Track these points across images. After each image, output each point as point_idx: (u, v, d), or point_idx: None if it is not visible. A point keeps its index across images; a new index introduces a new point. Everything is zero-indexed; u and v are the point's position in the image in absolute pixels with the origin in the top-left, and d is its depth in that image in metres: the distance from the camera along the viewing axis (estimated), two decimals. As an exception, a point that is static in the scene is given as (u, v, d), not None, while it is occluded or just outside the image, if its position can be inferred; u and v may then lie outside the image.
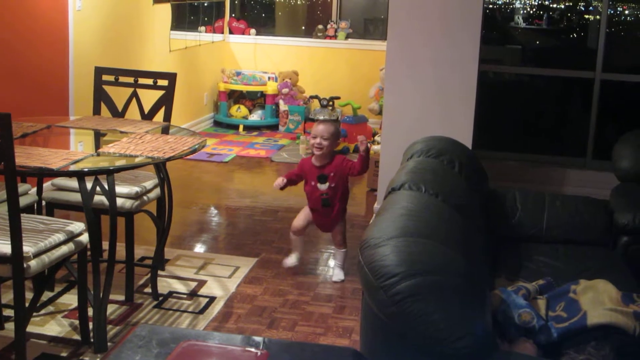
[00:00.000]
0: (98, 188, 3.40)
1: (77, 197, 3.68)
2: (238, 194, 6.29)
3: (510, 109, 6.78)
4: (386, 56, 5.20)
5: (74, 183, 3.74)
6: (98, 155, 3.45)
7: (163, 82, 4.22)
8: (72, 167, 3.20)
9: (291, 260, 4.43)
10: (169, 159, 3.41)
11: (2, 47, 4.98)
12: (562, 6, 7.61)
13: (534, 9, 7.83)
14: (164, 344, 1.90)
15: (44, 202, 3.93)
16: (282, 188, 4.35)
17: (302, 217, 4.41)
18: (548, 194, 3.92)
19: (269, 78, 8.63)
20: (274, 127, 8.59)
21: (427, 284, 1.96)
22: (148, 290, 4.06)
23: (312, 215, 4.36)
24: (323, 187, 4.26)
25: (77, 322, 3.59)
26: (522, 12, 7.89)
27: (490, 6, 7.48)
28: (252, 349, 1.87)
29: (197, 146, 3.58)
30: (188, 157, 4.28)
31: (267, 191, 6.31)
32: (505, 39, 7.47)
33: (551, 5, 7.73)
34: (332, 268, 4.47)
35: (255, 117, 8.61)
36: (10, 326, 3.57)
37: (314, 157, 4.29)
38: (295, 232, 4.41)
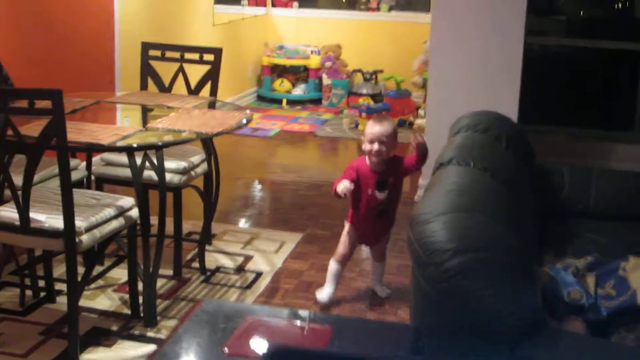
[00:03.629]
0: (147, 163, 3.43)
1: (125, 172, 3.74)
2: (282, 168, 6.31)
3: (555, 81, 6.69)
4: (431, 29, 5.16)
5: (122, 158, 3.78)
6: (147, 130, 3.49)
7: (209, 57, 4.24)
8: (121, 143, 3.23)
9: (325, 294, 3.74)
10: (217, 134, 3.43)
11: (48, 22, 5.03)
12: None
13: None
14: (230, 318, 1.94)
15: (92, 177, 3.98)
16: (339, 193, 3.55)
17: (348, 240, 3.72)
18: (596, 169, 3.87)
19: (311, 52, 8.62)
20: (317, 101, 8.59)
21: (478, 260, 1.96)
22: (196, 265, 4.11)
23: (360, 229, 3.72)
24: (381, 195, 3.63)
25: (126, 296, 3.65)
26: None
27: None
28: (317, 325, 1.88)
29: (244, 121, 3.60)
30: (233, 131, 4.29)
31: (311, 165, 6.33)
32: (549, 10, 7.35)
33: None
34: (373, 283, 3.91)
35: (299, 91, 8.62)
36: (61, 299, 3.65)
37: (371, 161, 3.63)
38: (340, 259, 3.73)
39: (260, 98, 8.69)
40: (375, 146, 3.54)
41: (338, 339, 1.82)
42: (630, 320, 2.36)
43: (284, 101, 8.48)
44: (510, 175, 2.82)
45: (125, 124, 3.86)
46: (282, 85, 8.60)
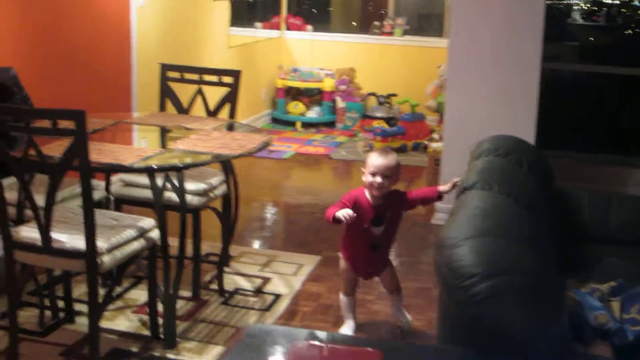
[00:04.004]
0: (167, 184, 3.45)
1: (144, 193, 3.77)
2: (298, 191, 6.32)
3: (569, 107, 6.70)
4: (448, 53, 5.18)
5: (141, 179, 3.81)
6: (167, 151, 3.51)
7: (228, 80, 4.26)
8: (142, 164, 3.24)
9: (349, 328, 3.66)
10: (238, 156, 3.44)
11: (67, 43, 5.07)
12: (619, 1, 7.50)
13: (591, 4, 7.73)
14: (277, 344, 1.93)
15: (111, 198, 4.00)
16: (336, 220, 3.34)
17: (347, 275, 3.63)
18: (615, 194, 3.87)
19: (326, 75, 8.66)
20: (331, 124, 8.62)
21: (506, 285, 1.95)
22: (214, 286, 4.11)
23: (353, 263, 3.57)
24: (377, 230, 3.47)
25: (145, 317, 3.66)
26: (579, 7, 7.80)
27: (549, 2, 7.39)
28: (368, 349, 1.87)
29: (264, 143, 3.61)
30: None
31: (327, 188, 6.34)
32: (562, 36, 7.37)
33: (608, 1, 7.63)
34: (395, 314, 3.76)
35: (313, 113, 8.64)
36: (80, 320, 3.65)
37: (371, 195, 3.45)
38: (347, 292, 3.64)
39: (275, 120, 8.72)
40: (378, 179, 3.36)
41: None
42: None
43: (298, 124, 8.50)
44: (532, 200, 2.82)
45: (142, 145, 3.88)
46: (296, 108, 8.63)
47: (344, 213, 3.28)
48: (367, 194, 3.44)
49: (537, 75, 4.99)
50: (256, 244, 4.93)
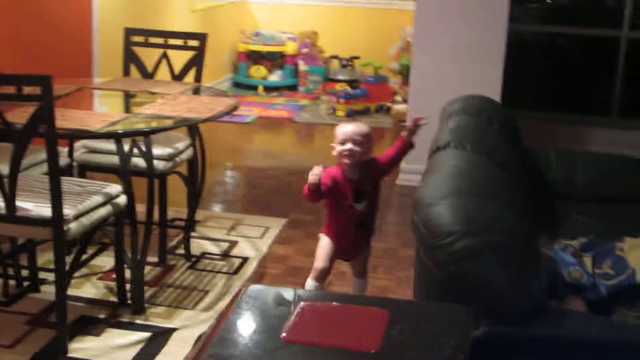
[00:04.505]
0: (134, 149, 3.39)
1: (108, 159, 3.70)
2: (262, 154, 6.29)
3: (534, 68, 6.72)
4: (415, 13, 5.16)
5: (105, 145, 3.74)
6: (134, 116, 3.44)
7: (193, 43, 4.19)
8: (109, 129, 3.18)
9: None
10: (207, 120, 3.39)
11: (26, 7, 4.94)
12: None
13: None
14: (280, 304, 1.90)
15: (74, 164, 3.92)
16: (311, 189, 3.11)
17: (325, 254, 3.27)
18: (580, 152, 3.90)
19: (287, 38, 8.59)
20: (293, 88, 8.56)
21: (485, 243, 1.95)
22: (180, 251, 4.07)
23: (339, 243, 3.28)
24: (360, 206, 3.21)
25: (112, 284, 3.62)
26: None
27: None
28: (374, 308, 1.86)
29: (233, 107, 3.56)
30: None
31: (291, 151, 6.31)
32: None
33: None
34: None
35: (275, 77, 8.57)
36: (45, 289, 3.59)
37: (345, 167, 3.19)
38: (318, 277, 3.26)
39: (236, 84, 8.64)
40: (348, 146, 3.11)
41: (397, 323, 1.79)
42: (631, 299, 2.38)
43: (260, 88, 8.43)
44: (504, 158, 2.82)
45: (103, 111, 3.80)
46: (258, 72, 8.55)
47: (311, 173, 3.08)
48: (344, 170, 3.19)
49: (503, 36, 5.00)
50: (221, 208, 4.89)
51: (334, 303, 1.93)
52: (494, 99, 3.85)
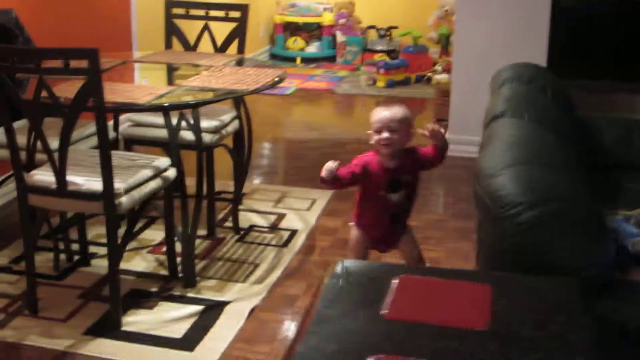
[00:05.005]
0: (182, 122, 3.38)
1: (155, 132, 3.70)
2: (304, 126, 6.25)
3: (580, 33, 6.57)
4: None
5: (151, 118, 3.73)
6: (180, 88, 3.42)
7: (235, 14, 4.15)
8: (157, 102, 3.16)
9: None
10: (255, 91, 3.36)
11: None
12: None
13: None
14: (375, 279, 1.85)
15: (120, 138, 3.92)
16: (326, 180, 2.95)
17: (358, 246, 3.12)
18: (636, 120, 3.81)
19: (324, 9, 8.52)
20: (331, 59, 8.50)
21: (551, 212, 1.91)
22: (228, 224, 4.07)
23: (370, 235, 3.10)
24: (395, 196, 2.98)
25: (162, 257, 3.63)
26: None
27: None
28: (475, 282, 1.80)
29: (280, 78, 3.53)
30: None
31: (333, 123, 6.27)
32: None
33: None
34: None
35: (312, 49, 8.52)
36: (96, 262, 3.61)
37: (382, 155, 2.96)
38: None
39: (274, 56, 8.60)
40: (385, 135, 2.88)
41: (501, 297, 1.73)
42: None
43: (298, 59, 8.39)
44: (561, 127, 2.76)
45: (143, 83, 3.79)
46: (295, 43, 8.50)
47: (324, 169, 2.91)
48: (379, 157, 2.97)
49: (548, 4, 4.90)
50: (267, 181, 4.88)
51: (432, 277, 1.87)
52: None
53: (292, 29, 8.63)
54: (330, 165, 2.90)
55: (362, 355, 1.52)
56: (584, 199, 2.09)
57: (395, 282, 1.81)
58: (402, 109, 2.95)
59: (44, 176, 3.06)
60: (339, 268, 1.91)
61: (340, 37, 8.43)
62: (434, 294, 1.79)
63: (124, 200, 3.00)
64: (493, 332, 1.61)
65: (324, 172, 2.90)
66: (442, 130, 2.90)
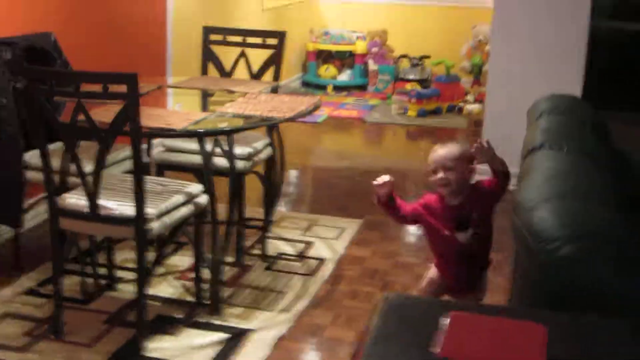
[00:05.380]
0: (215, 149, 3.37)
1: (187, 157, 3.70)
2: (334, 154, 6.23)
3: (615, 65, 6.50)
4: (494, 8, 5.04)
5: (184, 144, 3.73)
6: (216, 115, 3.42)
7: (272, 41, 4.16)
8: (193, 127, 3.16)
9: None
10: (290, 119, 3.34)
11: (104, 7, 4.97)
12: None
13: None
14: (426, 315, 1.78)
15: (152, 163, 3.92)
16: (380, 200, 2.91)
17: (430, 288, 2.99)
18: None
19: (357, 37, 8.53)
20: (362, 87, 8.49)
21: (590, 248, 1.86)
22: (256, 252, 4.04)
23: (447, 277, 2.95)
24: (463, 236, 2.82)
25: (188, 283, 3.61)
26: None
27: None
28: (530, 322, 1.73)
29: (315, 106, 3.52)
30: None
31: (363, 152, 6.24)
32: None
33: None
34: None
35: (344, 77, 8.52)
36: (123, 287, 3.60)
37: (444, 193, 2.84)
38: None
39: (305, 84, 8.61)
40: (440, 175, 2.78)
41: (558, 339, 1.66)
42: None
43: (330, 87, 8.39)
44: (600, 159, 2.71)
45: (177, 109, 3.79)
46: (327, 71, 8.51)
47: (378, 180, 2.86)
48: (442, 197, 2.86)
49: (585, 32, 4.86)
50: (297, 209, 4.85)
51: (486, 315, 1.80)
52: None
53: (324, 56, 8.65)
54: (384, 177, 2.84)
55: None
56: (626, 233, 2.03)
57: (446, 319, 1.74)
58: (455, 146, 2.83)
59: (76, 199, 3.05)
60: (387, 303, 1.85)
61: (372, 66, 8.43)
62: (488, 332, 1.72)
63: (155, 225, 2.99)
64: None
65: (375, 184, 2.85)
66: (488, 146, 2.72)
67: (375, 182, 2.86)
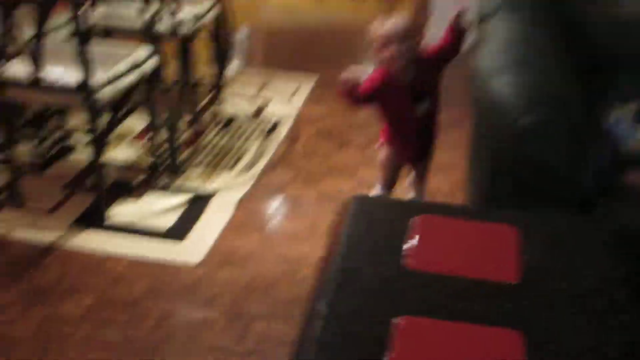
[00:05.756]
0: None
1: (130, 22, 3.55)
2: (279, 11, 6.03)
3: None
4: None
5: (126, 9, 3.59)
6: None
7: None
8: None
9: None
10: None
11: None
12: None
13: None
14: (394, 216, 1.71)
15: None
16: (347, 91, 2.70)
17: (390, 165, 2.92)
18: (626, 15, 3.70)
19: None
20: None
21: (550, 118, 1.86)
22: (211, 113, 4.00)
23: (401, 154, 2.89)
24: (422, 107, 2.73)
25: (144, 147, 3.56)
26: None
27: None
28: (501, 224, 1.67)
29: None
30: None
31: (309, 7, 6.08)
32: None
33: None
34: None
35: None
36: (78, 153, 3.54)
37: (395, 69, 2.67)
38: (386, 185, 2.96)
39: None
40: (394, 48, 2.60)
41: (530, 244, 1.61)
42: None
43: None
44: (557, 25, 2.65)
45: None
46: None
47: (344, 73, 2.67)
48: (393, 73, 2.69)
49: None
50: (250, 66, 4.76)
51: (454, 218, 1.72)
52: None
53: None
54: (352, 70, 2.67)
55: (390, 314, 1.41)
56: (582, 101, 2.04)
57: (414, 222, 1.69)
58: (402, 18, 2.66)
59: (19, 68, 2.93)
60: (353, 206, 1.78)
61: None
62: (457, 238, 1.66)
63: (104, 92, 2.90)
64: (525, 287, 1.49)
65: (344, 76, 2.66)
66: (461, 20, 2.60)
67: (343, 76, 2.66)
